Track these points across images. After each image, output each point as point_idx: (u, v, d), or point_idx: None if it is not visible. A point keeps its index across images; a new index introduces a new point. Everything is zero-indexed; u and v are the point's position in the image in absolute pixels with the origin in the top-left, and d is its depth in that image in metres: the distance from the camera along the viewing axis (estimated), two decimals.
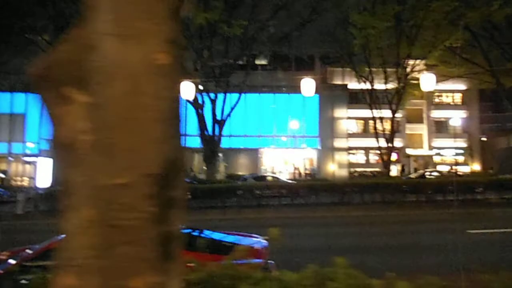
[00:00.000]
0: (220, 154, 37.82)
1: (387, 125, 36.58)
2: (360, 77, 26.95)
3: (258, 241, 5.28)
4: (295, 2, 20.95)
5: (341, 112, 35.71)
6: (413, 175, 26.93)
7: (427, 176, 22.84)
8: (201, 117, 24.99)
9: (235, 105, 26.06)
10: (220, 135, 25.70)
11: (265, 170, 35.48)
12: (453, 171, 29.77)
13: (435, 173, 25.51)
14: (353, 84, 32.66)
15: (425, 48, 27.39)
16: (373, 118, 26.08)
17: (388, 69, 24.17)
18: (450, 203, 13.90)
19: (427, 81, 14.00)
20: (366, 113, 32.06)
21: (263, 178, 22.86)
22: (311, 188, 19.70)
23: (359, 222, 11.63)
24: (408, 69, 29.56)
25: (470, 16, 19.10)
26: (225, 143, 35.87)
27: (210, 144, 25.36)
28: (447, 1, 18.44)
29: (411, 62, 32.19)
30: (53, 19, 21.99)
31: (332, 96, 34.94)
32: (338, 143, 35.46)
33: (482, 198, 16.39)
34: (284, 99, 35.18)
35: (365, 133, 35.85)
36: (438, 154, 36.13)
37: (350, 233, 9.86)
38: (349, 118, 35.80)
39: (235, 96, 34.48)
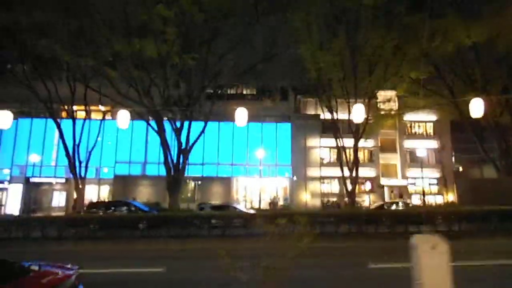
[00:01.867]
0: (195, 182, 37.68)
1: (359, 155, 36.75)
2: (326, 107, 27.21)
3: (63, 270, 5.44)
4: (253, 38, 21.37)
5: (314, 141, 35.82)
6: (372, 206, 26.73)
7: (385, 207, 22.62)
8: (165, 145, 24.95)
9: (200, 134, 26.06)
10: (184, 163, 25.54)
11: (237, 199, 35.17)
12: (422, 201, 29.62)
13: (401, 204, 25.30)
14: (327, 114, 33.02)
15: (390, 80, 28.02)
16: (337, 148, 26.14)
17: (354, 100, 24.41)
18: (382, 235, 13.70)
19: (357, 112, 13.98)
20: (342, 142, 32.31)
21: (222, 207, 22.54)
22: (269, 218, 19.41)
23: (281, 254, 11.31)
24: (380, 100, 30.24)
25: (412, 53, 19.58)
26: (197, 171, 35.76)
27: (175, 172, 25.21)
28: (387, 39, 18.89)
29: (382, 93, 32.87)
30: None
31: (305, 125, 35.15)
32: (311, 172, 35.35)
33: (432, 229, 16.17)
34: (257, 128, 35.33)
35: (338, 162, 35.83)
36: (412, 184, 36.07)
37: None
38: (322, 147, 35.88)
39: (209, 124, 34.71)
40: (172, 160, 25.32)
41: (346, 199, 33.11)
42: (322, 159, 36.08)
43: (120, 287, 6.91)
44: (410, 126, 37.80)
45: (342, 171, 25.52)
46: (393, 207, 23.47)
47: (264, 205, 33.52)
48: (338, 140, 25.79)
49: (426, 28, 18.96)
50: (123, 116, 12.66)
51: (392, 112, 30.40)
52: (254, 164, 34.03)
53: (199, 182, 36.56)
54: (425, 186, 33.76)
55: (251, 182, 35.02)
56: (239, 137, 35.26)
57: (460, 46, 20.25)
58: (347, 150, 26.47)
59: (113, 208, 21.93)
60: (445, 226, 16.77)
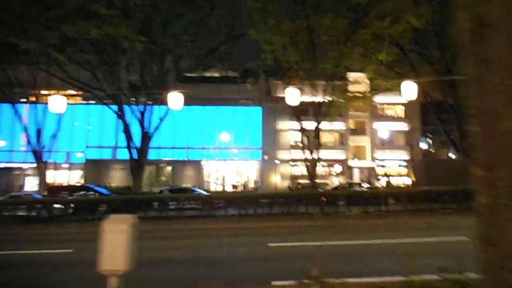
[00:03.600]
0: (167, 166, 37.81)
1: (330, 137, 37.11)
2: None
3: None
4: (211, 20, 21.17)
5: (284, 124, 35.97)
6: (329, 188, 27.14)
7: (339, 189, 23.09)
8: (127, 129, 24.93)
9: (163, 118, 26.02)
10: (147, 147, 25.59)
11: (207, 182, 35.45)
12: (387, 183, 30.15)
13: (366, 185, 25.75)
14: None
15: (359, 62, 28.10)
16: (301, 130, 26.33)
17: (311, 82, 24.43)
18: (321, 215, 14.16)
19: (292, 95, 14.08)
20: (310, 125, 32.47)
21: (181, 190, 22.79)
22: (231, 200, 19.75)
23: (220, 235, 11.63)
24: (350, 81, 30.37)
25: (363, 33, 19.58)
26: (168, 155, 35.86)
27: (138, 156, 25.28)
28: (338, 19, 18.84)
29: (353, 74, 32.96)
30: None
31: (275, 108, 35.21)
32: (282, 155, 35.65)
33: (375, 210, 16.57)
34: (228, 111, 35.36)
35: (310, 144, 36.13)
36: (381, 166, 36.62)
37: (188, 245, 9.84)
38: (292, 130, 36.07)
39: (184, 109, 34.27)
40: (134, 144, 25.34)
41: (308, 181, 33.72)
42: (296, 142, 36.38)
43: (18, 268, 7.11)
44: (381, 109, 38.11)
45: (304, 153, 25.77)
46: (359, 188, 23.90)
47: (235, 188, 33.84)
48: (301, 122, 25.97)
49: (376, 9, 19.02)
50: (57, 101, 12.64)
51: (358, 94, 30.54)
52: (225, 148, 34.20)
53: (171, 166, 36.71)
54: (393, 168, 34.35)
55: (221, 166, 35.25)
56: (209, 120, 35.29)
57: (414, 27, 20.30)
58: (315, 133, 26.69)
59: (74, 192, 22.06)
60: (392, 206, 17.28)
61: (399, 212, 15.60)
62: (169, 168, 37.31)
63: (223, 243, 9.12)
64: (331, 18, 18.65)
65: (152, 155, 35.78)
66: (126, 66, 23.72)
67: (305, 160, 25.90)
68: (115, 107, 25.24)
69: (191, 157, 35.41)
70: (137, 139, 25.19)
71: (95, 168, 36.08)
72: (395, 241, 8.53)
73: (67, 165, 35.91)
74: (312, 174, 25.28)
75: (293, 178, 35.72)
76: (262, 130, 35.36)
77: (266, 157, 35.07)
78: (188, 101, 37.18)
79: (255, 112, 35.52)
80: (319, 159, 25.66)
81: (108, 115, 35.10)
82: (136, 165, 25.05)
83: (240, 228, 13.19)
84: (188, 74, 38.81)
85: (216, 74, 36.11)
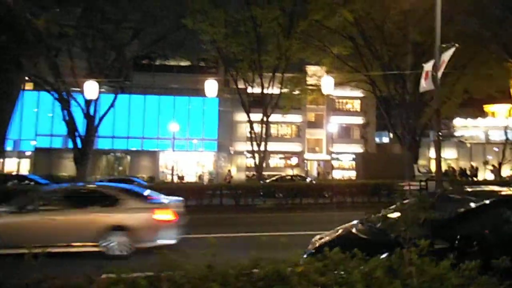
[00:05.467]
0: (120, 156, 37.18)
1: (287, 130, 37.30)
2: (245, 81, 27.17)
3: None
4: (152, 7, 20.65)
5: (241, 116, 35.86)
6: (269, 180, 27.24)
7: (278, 181, 23.30)
8: (70, 117, 24.26)
9: (110, 107, 25.47)
10: (93, 136, 25.02)
11: (163, 172, 35.11)
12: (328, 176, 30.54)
13: (309, 179, 25.90)
14: (255, 89, 33.08)
15: (314, 55, 28.25)
16: (249, 122, 26.33)
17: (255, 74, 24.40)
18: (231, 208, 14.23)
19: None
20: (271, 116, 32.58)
21: (120, 181, 22.44)
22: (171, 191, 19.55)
23: None
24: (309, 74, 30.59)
25: (301, 25, 19.65)
26: (122, 145, 35.25)
27: (82, 145, 24.70)
28: (274, 9, 18.81)
29: (312, 68, 33.16)
30: None
31: (232, 99, 35.09)
32: (239, 146, 35.63)
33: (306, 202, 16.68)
34: (184, 101, 34.98)
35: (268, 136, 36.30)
36: (335, 159, 37.18)
37: None
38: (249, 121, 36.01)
39: (134, 97, 33.81)
40: (79, 133, 24.72)
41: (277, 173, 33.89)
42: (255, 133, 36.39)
43: None
44: (338, 102, 38.59)
45: (252, 145, 25.84)
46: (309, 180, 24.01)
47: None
48: (249, 114, 25.99)
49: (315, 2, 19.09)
50: None
51: (311, 88, 30.78)
52: (180, 138, 33.87)
53: (128, 156, 36.12)
54: (347, 161, 34.92)
55: (177, 156, 34.93)
56: (165, 111, 34.83)
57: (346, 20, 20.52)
58: (271, 125, 26.80)
59: (7, 181, 21.38)
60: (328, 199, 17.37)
61: (325, 205, 15.76)
62: (126, 158, 36.74)
63: None
64: (269, 9, 18.59)
65: (106, 144, 35.18)
66: (68, 52, 22.98)
67: (252, 151, 25.95)
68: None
69: (146, 147, 34.91)
70: (82, 128, 24.61)
71: (45, 157, 35.05)
72: (268, 234, 8.58)
73: (15, 154, 34.74)
74: (258, 166, 25.37)
75: (249, 169, 35.80)
76: (218, 121, 35.18)
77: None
78: (144, 91, 36.83)
79: (212, 103, 35.25)
80: (266, 151, 25.76)
81: (58, 103, 34.11)
82: (80, 154, 24.49)
83: None
84: (145, 63, 38.28)
85: (173, 63, 35.59)
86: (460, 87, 28.78)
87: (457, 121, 47.71)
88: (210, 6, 18.59)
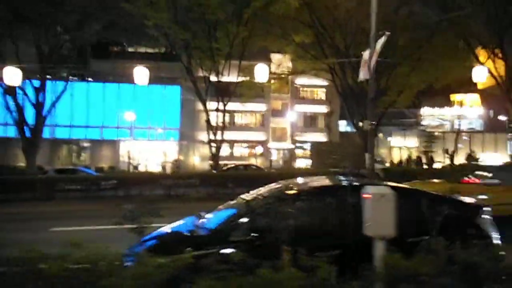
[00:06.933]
0: (86, 145, 36.28)
1: (251, 119, 37.09)
2: (202, 69, 26.65)
3: None
4: None
5: (207, 104, 35.36)
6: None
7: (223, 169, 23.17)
8: (17, 105, 23.37)
9: (60, 95, 24.69)
10: (42, 125, 24.24)
11: (124, 162, 34.46)
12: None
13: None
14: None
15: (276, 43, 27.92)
16: (205, 111, 25.92)
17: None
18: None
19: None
20: (233, 105, 32.19)
21: (67, 171, 21.93)
22: (121, 181, 19.20)
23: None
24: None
25: (254, 6, 19.19)
26: (81, 134, 34.35)
27: (31, 134, 23.92)
28: None
29: (277, 56, 32.87)
30: None
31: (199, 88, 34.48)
32: (201, 135, 35.16)
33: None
34: (144, 89, 34.18)
35: (231, 126, 36.01)
36: (300, 147, 37.28)
37: None
38: (212, 110, 35.59)
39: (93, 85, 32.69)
40: (26, 122, 23.89)
41: (241, 162, 33.72)
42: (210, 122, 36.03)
43: None
44: (303, 91, 38.53)
45: (209, 134, 25.46)
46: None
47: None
48: (205, 102, 25.58)
49: None
50: None
51: (272, 76, 30.51)
52: (141, 127, 33.21)
53: (88, 145, 35.29)
54: (309, 150, 35.01)
55: (138, 145, 34.32)
56: (125, 99, 34.01)
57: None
58: (235, 114, 26.48)
59: None
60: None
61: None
62: (87, 148, 35.90)
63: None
64: None
65: (63, 133, 34.21)
66: (11, 37, 22.08)
67: (209, 141, 25.62)
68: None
69: (106, 137, 34.12)
70: (29, 117, 23.78)
71: (2, 147, 33.87)
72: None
73: None
74: (215, 155, 25.09)
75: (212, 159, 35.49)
76: (180, 110, 34.62)
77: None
78: (104, 78, 35.69)
79: (174, 91, 34.61)
80: (223, 140, 25.48)
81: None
82: (28, 144, 23.74)
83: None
84: (105, 50, 37.13)
85: (132, 50, 34.67)
86: (417, 78, 28.94)
87: (424, 110, 48.56)
88: None
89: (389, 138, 41.38)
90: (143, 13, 17.89)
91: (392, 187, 4.68)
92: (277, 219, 3.75)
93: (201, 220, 4.47)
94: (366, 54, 14.33)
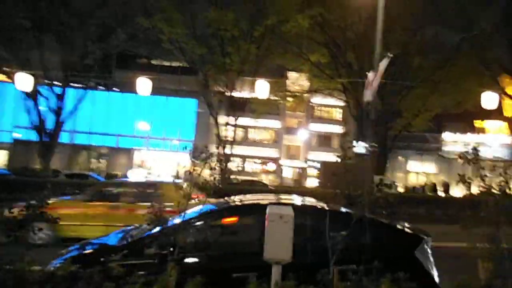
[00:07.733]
0: (105, 152, 37.25)
1: (265, 135, 37.17)
2: (217, 84, 27.18)
3: None
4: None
5: (220, 119, 35.81)
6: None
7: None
8: (38, 110, 24.42)
9: (79, 102, 25.64)
10: (59, 130, 25.22)
11: (137, 170, 35.10)
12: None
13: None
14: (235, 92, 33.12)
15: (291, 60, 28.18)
16: (216, 125, 26.30)
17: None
18: None
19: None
20: (247, 121, 32.49)
21: (76, 176, 22.54)
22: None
23: None
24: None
25: (265, 24, 19.47)
26: (98, 140, 35.32)
27: (50, 139, 24.89)
28: (231, 13, 18.70)
29: (294, 74, 33.11)
30: None
31: (211, 102, 35.06)
32: (214, 149, 35.52)
33: None
34: (162, 101, 35.02)
35: (243, 140, 36.25)
36: (312, 166, 36.96)
37: None
38: (228, 124, 35.97)
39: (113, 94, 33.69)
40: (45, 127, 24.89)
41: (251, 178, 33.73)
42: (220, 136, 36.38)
43: None
44: (319, 110, 38.45)
45: (218, 148, 25.72)
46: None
47: (165, 179, 33.53)
48: (216, 117, 25.99)
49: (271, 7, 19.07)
50: None
51: (288, 94, 30.73)
52: (156, 137, 33.89)
53: (105, 152, 36.22)
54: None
55: (152, 155, 34.99)
56: (143, 109, 34.88)
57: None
58: (249, 130, 26.76)
59: None
60: None
61: None
62: (107, 155, 36.85)
63: None
64: (226, 12, 18.56)
65: (82, 139, 35.29)
66: (37, 45, 23.20)
67: (218, 154, 25.85)
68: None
69: (122, 145, 34.96)
70: (48, 121, 24.75)
71: (24, 149, 35.17)
72: None
73: None
74: (223, 170, 25.26)
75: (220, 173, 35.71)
76: (196, 123, 35.17)
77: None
78: (127, 89, 36.63)
79: (190, 104, 35.26)
80: (232, 155, 25.69)
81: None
82: (45, 147, 24.65)
83: None
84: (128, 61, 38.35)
85: (156, 63, 35.75)
86: (437, 101, 28.30)
87: (446, 135, 47.28)
88: (169, 4, 18.55)
89: (406, 162, 40.53)
90: (159, 28, 18.48)
91: (315, 207, 4.62)
92: (194, 236, 3.82)
93: (132, 232, 4.56)
94: (370, 75, 14.28)
